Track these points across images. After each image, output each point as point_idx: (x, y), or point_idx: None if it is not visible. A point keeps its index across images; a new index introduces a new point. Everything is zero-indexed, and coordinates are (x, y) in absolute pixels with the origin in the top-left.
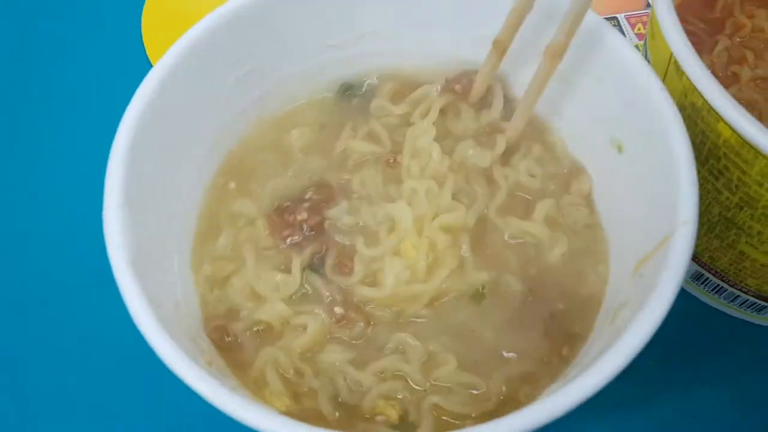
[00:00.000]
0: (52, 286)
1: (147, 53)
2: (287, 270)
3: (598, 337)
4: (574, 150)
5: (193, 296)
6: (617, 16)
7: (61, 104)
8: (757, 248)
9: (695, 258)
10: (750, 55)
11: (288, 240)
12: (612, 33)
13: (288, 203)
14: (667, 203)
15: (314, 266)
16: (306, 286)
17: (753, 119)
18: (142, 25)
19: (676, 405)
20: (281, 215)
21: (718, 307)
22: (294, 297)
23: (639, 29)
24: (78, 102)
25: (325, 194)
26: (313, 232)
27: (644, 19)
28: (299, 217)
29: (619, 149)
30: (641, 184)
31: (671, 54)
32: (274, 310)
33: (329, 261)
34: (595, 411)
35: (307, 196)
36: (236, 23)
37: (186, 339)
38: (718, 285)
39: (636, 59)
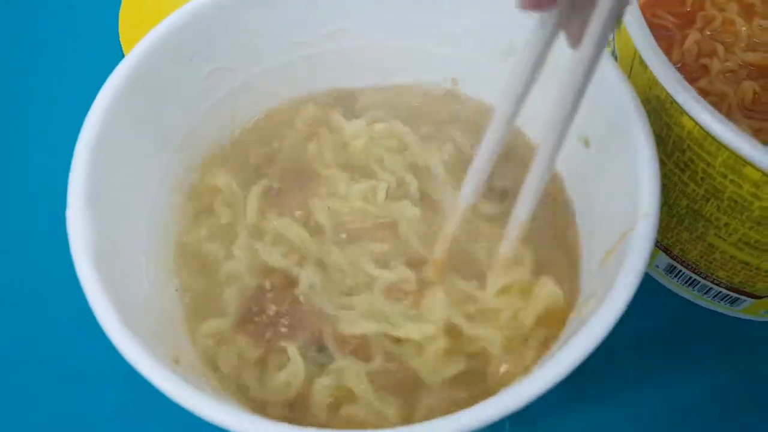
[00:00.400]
0: (21, 283)
1: (124, 53)
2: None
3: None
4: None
5: (165, 296)
6: None
7: (37, 103)
8: (725, 240)
9: (667, 251)
10: (720, 48)
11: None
12: None
13: (253, 307)
14: (630, 196)
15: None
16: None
17: (713, 111)
18: (119, 24)
19: (652, 396)
20: (252, 322)
21: (693, 300)
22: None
23: None
24: (53, 100)
25: (282, 278)
26: (292, 317)
27: None
28: (270, 313)
29: (586, 143)
30: (607, 179)
31: (635, 49)
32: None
33: (330, 344)
34: (570, 404)
35: (267, 286)
36: (200, 20)
37: (154, 337)
38: (691, 277)
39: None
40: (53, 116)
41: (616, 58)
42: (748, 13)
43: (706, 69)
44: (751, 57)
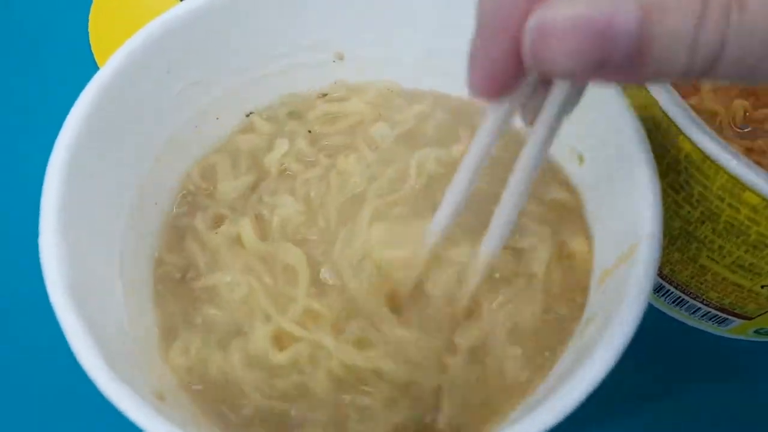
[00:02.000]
0: None
1: (95, 56)
2: None
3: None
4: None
5: (140, 323)
6: None
7: (3, 108)
8: (718, 262)
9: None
10: None
11: None
12: None
13: None
14: (630, 216)
15: None
16: None
17: (714, 135)
18: (89, 25)
19: (638, 415)
20: None
21: (678, 318)
22: None
23: None
24: (22, 106)
25: None
26: None
27: None
28: None
29: (580, 160)
30: (602, 197)
31: None
32: None
33: None
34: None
35: None
36: (173, 35)
37: (134, 369)
38: (680, 297)
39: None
40: (23, 127)
41: None
42: None
43: (696, 87)
44: None
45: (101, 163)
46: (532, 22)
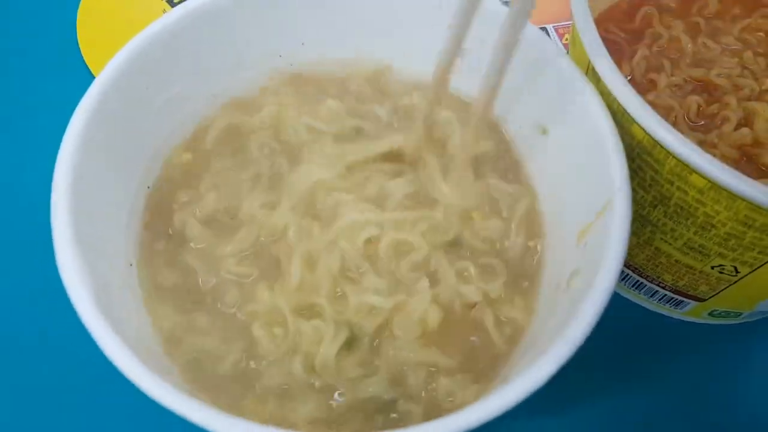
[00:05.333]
0: None
1: (82, 55)
2: None
3: (551, 310)
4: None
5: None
6: (546, 26)
7: None
8: (671, 244)
9: None
10: (667, 64)
11: None
12: (539, 36)
13: None
14: (599, 174)
15: None
16: None
17: (663, 121)
18: (77, 23)
19: (598, 397)
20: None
21: (639, 302)
22: None
23: (567, 39)
24: (11, 107)
25: None
26: None
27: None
28: None
29: (543, 132)
30: (570, 162)
31: (589, 61)
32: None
33: None
34: (516, 414)
35: None
36: (155, 48)
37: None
38: (638, 281)
39: (559, 53)
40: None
41: None
42: (693, 31)
43: (653, 83)
44: (696, 72)
45: (100, 181)
46: None
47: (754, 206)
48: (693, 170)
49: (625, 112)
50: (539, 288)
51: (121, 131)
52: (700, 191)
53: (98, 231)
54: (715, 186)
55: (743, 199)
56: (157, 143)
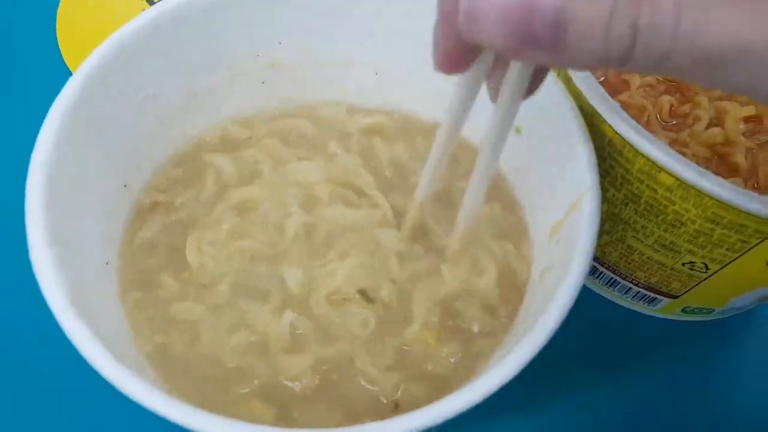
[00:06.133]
0: None
1: (61, 53)
2: None
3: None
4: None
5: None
6: None
7: None
8: (642, 242)
9: None
10: None
11: None
12: None
13: None
14: (570, 173)
15: None
16: None
17: (631, 121)
18: (57, 20)
19: (574, 394)
20: None
21: (613, 300)
22: None
23: None
24: None
25: None
26: None
27: None
28: None
29: (517, 131)
30: (542, 160)
31: None
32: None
33: None
34: (490, 411)
35: None
36: (129, 48)
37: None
38: (612, 278)
39: None
40: None
41: None
42: None
43: (626, 83)
44: None
45: (76, 180)
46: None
47: (721, 204)
48: (661, 169)
49: (596, 112)
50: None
51: (98, 129)
52: (669, 189)
53: (74, 229)
54: (683, 184)
55: (710, 197)
56: (137, 142)
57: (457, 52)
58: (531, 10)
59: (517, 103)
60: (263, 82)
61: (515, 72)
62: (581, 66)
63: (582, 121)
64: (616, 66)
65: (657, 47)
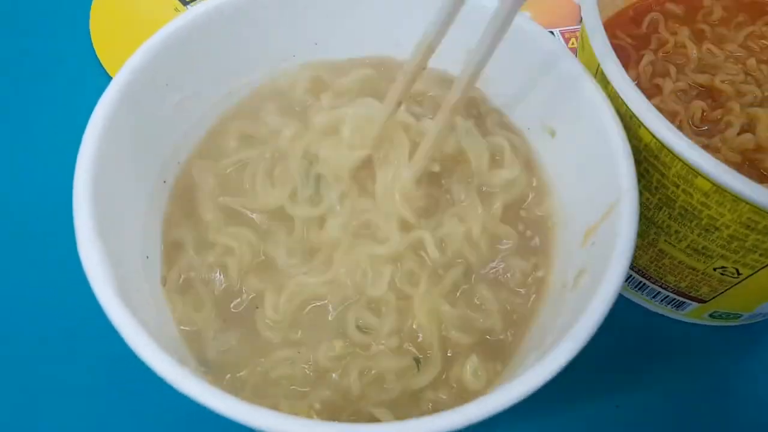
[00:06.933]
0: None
1: (97, 54)
2: None
3: (559, 308)
4: None
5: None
6: (553, 30)
7: (10, 110)
8: (675, 246)
9: None
10: (672, 69)
11: None
12: (546, 37)
13: None
14: (606, 176)
15: None
16: None
17: (670, 125)
18: (90, 22)
19: (600, 396)
20: None
21: (640, 303)
22: None
23: (572, 43)
24: (30, 108)
25: None
26: None
27: (578, 34)
28: None
29: (551, 133)
30: (577, 163)
31: (598, 64)
32: None
33: None
34: (518, 412)
35: None
36: (171, 48)
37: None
38: (641, 282)
39: (566, 55)
40: (23, 123)
41: None
42: (698, 37)
43: (659, 88)
44: (701, 78)
45: (119, 180)
46: None
47: (757, 209)
48: (698, 173)
49: (633, 115)
50: (547, 286)
51: (137, 129)
52: (705, 194)
53: (118, 224)
54: (719, 189)
55: (746, 202)
56: (174, 140)
57: None
58: None
59: None
60: None
61: None
62: None
63: (620, 123)
64: None
65: None
